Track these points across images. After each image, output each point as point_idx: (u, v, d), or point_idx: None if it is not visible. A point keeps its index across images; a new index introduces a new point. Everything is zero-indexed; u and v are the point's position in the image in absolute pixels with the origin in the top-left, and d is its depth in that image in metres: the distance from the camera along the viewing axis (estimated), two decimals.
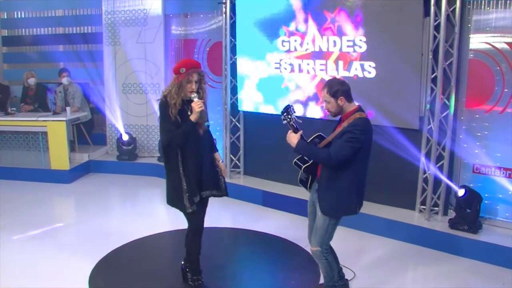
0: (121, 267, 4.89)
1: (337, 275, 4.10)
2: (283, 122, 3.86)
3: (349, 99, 3.77)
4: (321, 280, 4.49)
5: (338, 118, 3.91)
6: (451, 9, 5.17)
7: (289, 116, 3.82)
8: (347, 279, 4.34)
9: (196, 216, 4.12)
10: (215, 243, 5.62)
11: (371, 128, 3.79)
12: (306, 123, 6.18)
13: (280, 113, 3.88)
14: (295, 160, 4.01)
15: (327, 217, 3.85)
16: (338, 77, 3.87)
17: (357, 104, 3.83)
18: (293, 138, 3.82)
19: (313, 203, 4.03)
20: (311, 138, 3.92)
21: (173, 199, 4.13)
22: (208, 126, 4.12)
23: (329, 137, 3.81)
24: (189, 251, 4.33)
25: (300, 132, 3.84)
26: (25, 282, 4.55)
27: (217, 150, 4.40)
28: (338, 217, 3.91)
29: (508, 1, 4.97)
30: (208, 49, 7.65)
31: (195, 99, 3.88)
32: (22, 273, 4.72)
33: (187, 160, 3.99)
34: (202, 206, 4.20)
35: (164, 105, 3.92)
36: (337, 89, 3.73)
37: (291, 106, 3.88)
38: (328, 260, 3.98)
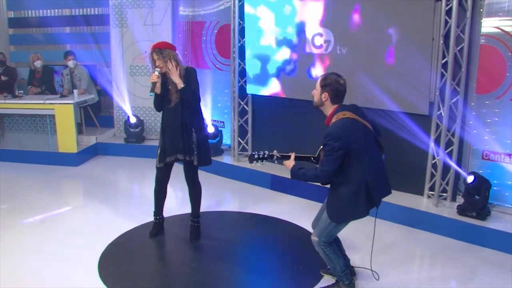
0: (130, 251, 4.91)
1: (342, 264, 4.04)
2: (259, 164, 3.99)
3: (334, 100, 3.66)
4: None
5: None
6: None
7: (263, 156, 3.93)
8: (352, 266, 4.36)
9: (158, 171, 4.95)
10: (222, 226, 5.64)
11: (354, 126, 3.61)
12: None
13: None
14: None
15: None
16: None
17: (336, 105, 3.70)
18: (287, 166, 3.86)
19: None
20: (318, 151, 3.89)
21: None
22: (152, 95, 4.68)
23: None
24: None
25: (293, 157, 3.87)
26: (35, 266, 4.59)
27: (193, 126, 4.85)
28: (342, 222, 3.85)
29: None
30: (216, 31, 7.59)
31: (155, 73, 4.59)
32: (33, 257, 4.76)
33: (164, 126, 4.83)
34: (169, 167, 4.95)
35: None
36: (328, 83, 3.64)
37: (254, 153, 3.96)
38: (326, 252, 3.95)
